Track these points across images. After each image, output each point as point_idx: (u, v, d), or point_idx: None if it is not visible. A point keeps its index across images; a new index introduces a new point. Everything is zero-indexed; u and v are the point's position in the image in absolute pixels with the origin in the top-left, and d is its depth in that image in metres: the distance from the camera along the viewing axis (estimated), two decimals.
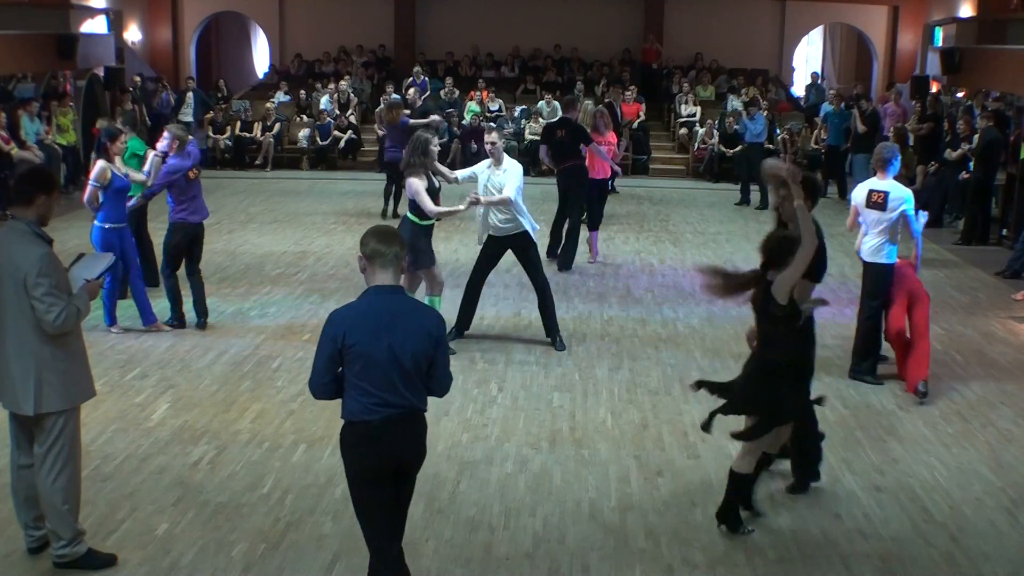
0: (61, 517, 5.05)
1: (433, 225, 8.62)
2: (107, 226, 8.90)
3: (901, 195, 8.00)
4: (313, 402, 7.54)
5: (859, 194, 8.15)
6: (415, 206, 8.41)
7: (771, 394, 5.43)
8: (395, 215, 15.14)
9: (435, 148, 8.46)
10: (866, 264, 8.20)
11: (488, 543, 5.50)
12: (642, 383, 8.10)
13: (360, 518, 4.41)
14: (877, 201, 8.01)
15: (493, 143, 8.68)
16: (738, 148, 19.63)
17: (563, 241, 12.13)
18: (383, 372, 4.21)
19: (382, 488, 4.32)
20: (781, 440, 5.87)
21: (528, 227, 8.80)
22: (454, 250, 13.07)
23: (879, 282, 8.15)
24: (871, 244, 8.07)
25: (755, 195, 16.94)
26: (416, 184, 8.31)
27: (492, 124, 18.07)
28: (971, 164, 14.77)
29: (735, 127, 19.49)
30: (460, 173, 9.11)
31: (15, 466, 5.18)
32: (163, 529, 5.57)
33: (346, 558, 5.30)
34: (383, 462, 4.28)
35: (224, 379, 8.00)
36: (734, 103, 21.62)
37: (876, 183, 8.07)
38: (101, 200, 8.88)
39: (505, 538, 5.56)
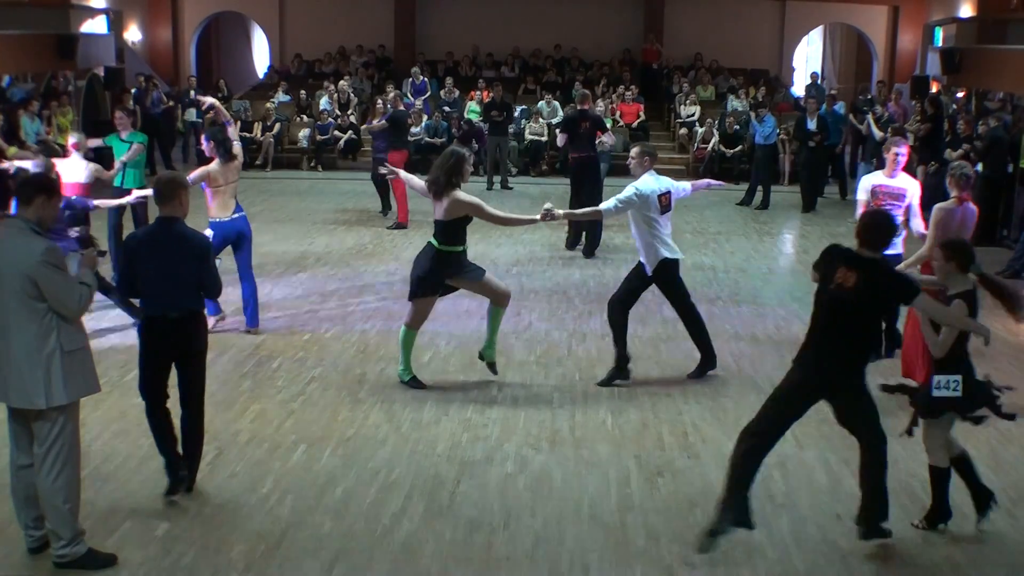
0: (61, 517, 5.05)
1: (465, 251, 7.77)
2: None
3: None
4: (313, 402, 7.57)
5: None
6: (444, 230, 7.60)
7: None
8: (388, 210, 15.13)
9: (469, 168, 7.72)
10: None
11: (488, 543, 5.50)
12: (642, 383, 8.09)
13: (139, 379, 5.92)
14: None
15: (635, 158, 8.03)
16: (738, 148, 19.65)
17: (585, 231, 12.80)
18: (159, 281, 5.65)
19: (157, 369, 5.81)
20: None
21: (666, 254, 8.01)
22: None
23: None
24: None
25: (757, 196, 16.94)
26: (472, 200, 7.59)
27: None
28: (978, 165, 14.78)
29: (740, 128, 19.50)
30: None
31: (15, 466, 5.19)
32: (163, 529, 5.57)
33: (346, 558, 5.30)
34: (161, 347, 5.76)
35: (224, 379, 8.00)
36: (734, 103, 21.64)
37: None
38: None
39: (505, 538, 5.55)
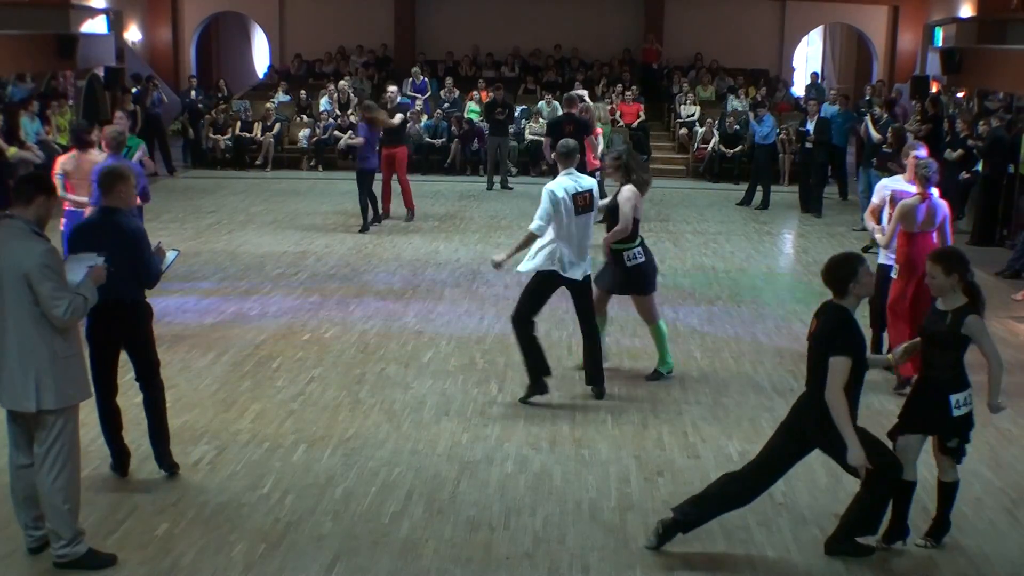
0: (61, 517, 5.05)
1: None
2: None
3: None
4: (313, 402, 7.57)
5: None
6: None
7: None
8: (376, 220, 14.52)
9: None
10: None
11: (488, 543, 5.50)
12: (642, 383, 8.09)
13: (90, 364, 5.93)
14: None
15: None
16: (738, 148, 19.65)
17: None
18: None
19: (100, 352, 6.07)
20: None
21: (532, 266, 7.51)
22: (455, 250, 13.08)
23: None
24: None
25: (757, 196, 16.93)
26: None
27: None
28: (979, 164, 14.79)
29: (740, 128, 19.49)
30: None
31: (14, 466, 5.19)
32: (163, 529, 5.57)
33: (346, 558, 5.30)
34: (106, 333, 6.01)
35: (224, 379, 8.00)
36: (734, 103, 21.64)
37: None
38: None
39: (505, 538, 5.56)
